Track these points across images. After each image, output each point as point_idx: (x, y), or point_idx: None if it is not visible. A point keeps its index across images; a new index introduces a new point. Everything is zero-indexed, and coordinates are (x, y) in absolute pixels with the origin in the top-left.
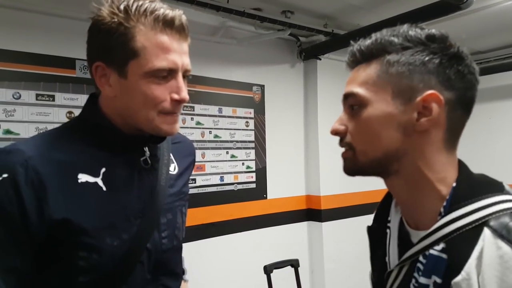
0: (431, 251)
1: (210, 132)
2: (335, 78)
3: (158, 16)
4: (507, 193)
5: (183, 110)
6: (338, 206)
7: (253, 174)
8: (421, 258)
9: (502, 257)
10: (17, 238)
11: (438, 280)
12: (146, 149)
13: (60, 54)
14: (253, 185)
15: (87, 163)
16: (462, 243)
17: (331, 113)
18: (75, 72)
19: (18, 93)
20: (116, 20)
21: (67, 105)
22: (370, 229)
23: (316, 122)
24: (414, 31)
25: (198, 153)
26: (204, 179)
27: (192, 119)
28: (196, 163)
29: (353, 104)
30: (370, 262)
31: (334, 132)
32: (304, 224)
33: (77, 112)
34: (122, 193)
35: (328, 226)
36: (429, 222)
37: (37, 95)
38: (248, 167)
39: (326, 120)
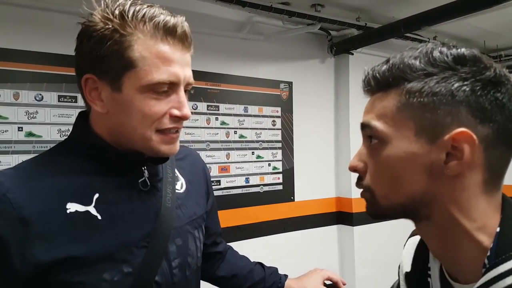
0: None
1: (235, 132)
2: (365, 72)
3: (159, 22)
4: None
5: (209, 109)
6: None
7: (280, 176)
8: None
9: None
10: None
11: None
12: (145, 169)
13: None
14: (280, 187)
15: (77, 190)
16: None
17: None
18: None
19: (40, 94)
20: (110, 26)
21: None
22: (408, 276)
23: (348, 121)
24: (439, 53)
25: (223, 154)
26: (228, 181)
27: (216, 119)
28: (220, 164)
29: (371, 135)
30: None
31: (353, 169)
32: (334, 228)
33: None
34: (120, 220)
35: (360, 230)
36: (472, 276)
37: (59, 97)
38: (274, 168)
39: (359, 118)
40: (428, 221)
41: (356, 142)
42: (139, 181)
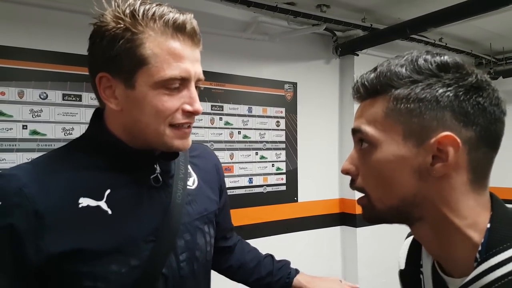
0: None
1: (239, 133)
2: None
3: (168, 20)
4: None
5: (213, 109)
6: None
7: (284, 176)
8: None
9: None
10: (6, 277)
11: None
12: (157, 166)
13: (87, 53)
14: (283, 188)
15: (89, 186)
16: None
17: None
18: None
19: (45, 93)
20: (122, 25)
21: (93, 105)
22: (402, 273)
23: (352, 122)
24: (423, 60)
25: (227, 154)
26: (232, 181)
27: (220, 119)
28: (224, 164)
29: (362, 139)
30: None
31: (345, 172)
32: (337, 229)
33: None
34: (129, 215)
35: (363, 232)
36: (465, 270)
37: (63, 95)
38: (278, 168)
39: None
40: (422, 221)
41: None
42: (151, 177)
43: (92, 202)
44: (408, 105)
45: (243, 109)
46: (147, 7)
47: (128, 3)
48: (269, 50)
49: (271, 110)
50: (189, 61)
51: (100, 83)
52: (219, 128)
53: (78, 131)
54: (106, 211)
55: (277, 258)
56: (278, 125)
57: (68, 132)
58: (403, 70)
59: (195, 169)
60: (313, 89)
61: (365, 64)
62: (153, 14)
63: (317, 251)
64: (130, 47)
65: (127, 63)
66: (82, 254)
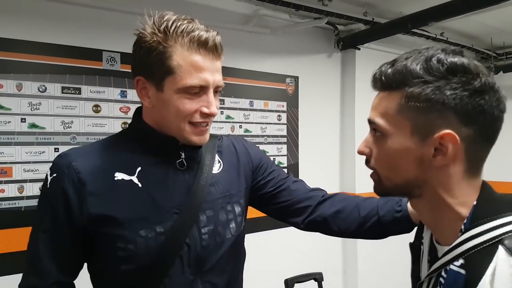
0: (451, 267)
1: (240, 127)
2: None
3: (194, 37)
4: None
5: None
6: None
7: (285, 170)
8: (443, 273)
9: None
10: (62, 229)
11: None
12: (182, 152)
13: (86, 46)
14: None
15: (124, 164)
16: (479, 259)
17: (370, 107)
18: (101, 64)
19: (43, 86)
20: (156, 39)
21: (93, 98)
22: (411, 245)
23: (353, 116)
24: (436, 61)
25: None
26: None
27: (222, 112)
28: None
29: (375, 129)
30: (411, 277)
31: (360, 153)
32: None
33: (103, 105)
34: (155, 189)
35: None
36: (452, 239)
37: (62, 88)
38: (279, 162)
39: (364, 114)
40: (420, 198)
41: (361, 138)
42: (177, 161)
43: (126, 177)
44: (418, 104)
45: (244, 103)
46: (178, 24)
47: (165, 18)
48: (271, 44)
49: (273, 104)
50: (208, 72)
51: (138, 84)
52: (220, 122)
53: (77, 124)
54: (137, 184)
55: (278, 251)
56: (279, 119)
57: (67, 125)
58: (417, 69)
59: (221, 157)
60: (315, 83)
61: (366, 58)
62: (182, 31)
63: (317, 245)
64: (161, 58)
65: (158, 71)
66: (115, 219)
